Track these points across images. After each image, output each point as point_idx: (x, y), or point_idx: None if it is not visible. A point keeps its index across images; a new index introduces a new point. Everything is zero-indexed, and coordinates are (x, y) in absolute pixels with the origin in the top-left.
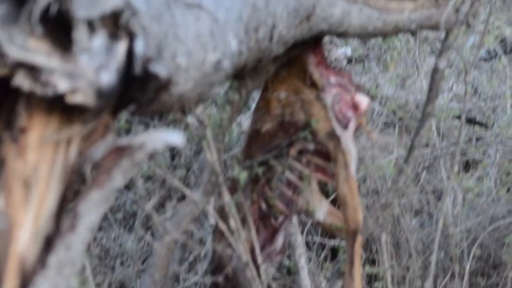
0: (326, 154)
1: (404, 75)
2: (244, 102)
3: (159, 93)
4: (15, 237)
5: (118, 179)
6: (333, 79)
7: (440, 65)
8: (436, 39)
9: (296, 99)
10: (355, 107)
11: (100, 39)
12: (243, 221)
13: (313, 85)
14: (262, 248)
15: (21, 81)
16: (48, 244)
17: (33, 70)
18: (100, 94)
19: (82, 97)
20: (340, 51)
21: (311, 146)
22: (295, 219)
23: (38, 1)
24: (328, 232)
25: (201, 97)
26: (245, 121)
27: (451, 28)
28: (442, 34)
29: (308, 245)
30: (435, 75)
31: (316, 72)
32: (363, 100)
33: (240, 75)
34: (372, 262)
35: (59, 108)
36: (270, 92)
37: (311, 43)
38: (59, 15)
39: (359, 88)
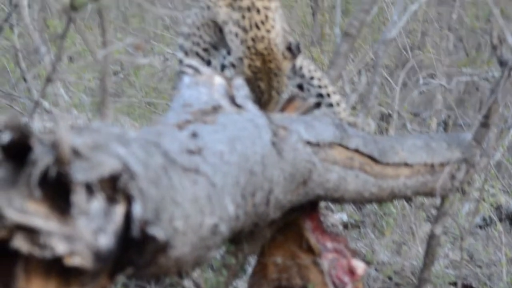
0: None
1: (400, 241)
2: (241, 266)
3: (156, 256)
4: None
5: None
6: (329, 244)
7: (436, 231)
8: (431, 206)
9: (292, 264)
10: (351, 272)
11: (98, 202)
12: None
13: (310, 250)
14: None
15: (20, 243)
16: None
17: (31, 233)
18: (98, 256)
19: (80, 259)
20: (336, 216)
21: None
22: None
23: (37, 164)
24: None
25: (198, 260)
26: (241, 285)
27: (446, 194)
28: (438, 201)
29: None
30: (431, 241)
31: (312, 238)
32: (359, 265)
33: (236, 239)
34: None
35: (57, 270)
36: (266, 257)
37: (307, 208)
38: (57, 178)
39: (355, 253)
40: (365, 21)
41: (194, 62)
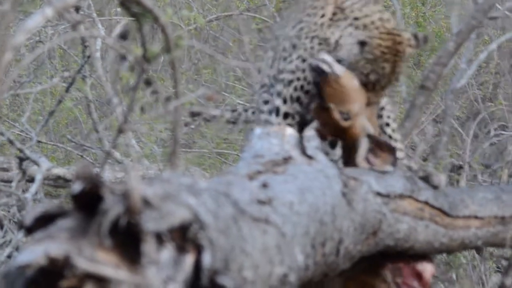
0: None
1: None
2: None
3: None
4: None
5: None
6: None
7: (507, 282)
8: (501, 256)
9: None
10: (419, 276)
11: (168, 252)
12: None
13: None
14: None
15: None
16: None
17: (101, 282)
18: None
19: None
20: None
21: None
22: None
23: (108, 214)
24: None
25: None
26: None
27: None
28: (508, 251)
29: None
30: None
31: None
32: (426, 268)
33: None
34: None
35: None
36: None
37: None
38: (128, 228)
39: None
40: (442, 74)
41: (330, 58)
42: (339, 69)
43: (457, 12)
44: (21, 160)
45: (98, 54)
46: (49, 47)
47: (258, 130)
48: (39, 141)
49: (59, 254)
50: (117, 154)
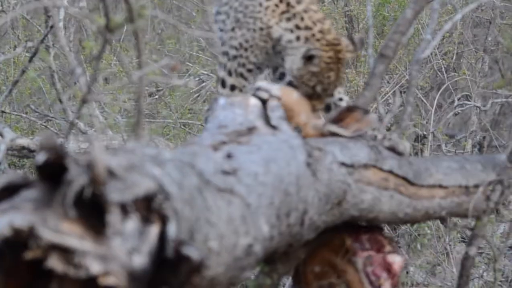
0: None
1: (435, 262)
2: (275, 286)
3: (191, 276)
4: None
5: None
6: (366, 242)
7: (471, 252)
8: (466, 227)
9: (330, 270)
10: (388, 267)
11: (133, 223)
12: None
13: (346, 252)
14: None
15: (54, 263)
16: None
17: (66, 253)
18: (133, 276)
19: (114, 279)
20: None
21: None
22: None
23: (72, 184)
24: None
25: (232, 281)
26: None
27: (481, 216)
28: (472, 222)
29: None
30: (465, 262)
31: (348, 240)
32: (395, 260)
33: (271, 260)
34: None
35: None
36: (304, 267)
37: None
38: (92, 198)
39: (393, 245)
40: (401, 42)
41: (265, 83)
42: (276, 91)
43: None
44: None
45: (61, 24)
46: (12, 16)
47: (222, 100)
48: (2, 111)
49: (24, 225)
50: (81, 125)
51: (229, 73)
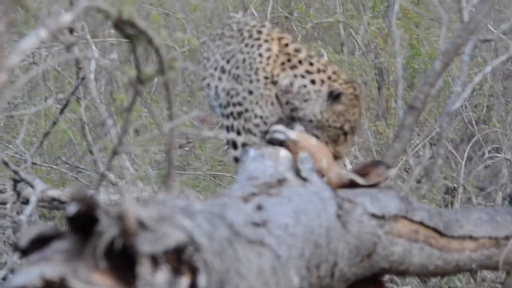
0: None
1: None
2: None
3: None
4: None
5: None
6: None
7: None
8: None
9: None
10: None
11: (163, 274)
12: None
13: None
14: None
15: None
16: None
17: None
18: None
19: None
20: None
21: None
22: None
23: (103, 236)
24: None
25: None
26: None
27: (511, 268)
28: (503, 275)
29: None
30: None
31: None
32: None
33: None
34: None
35: None
36: None
37: (371, 281)
38: (123, 249)
39: None
40: (430, 94)
41: (281, 127)
42: (292, 134)
43: (444, 32)
44: (16, 182)
45: (92, 76)
46: (43, 68)
47: (252, 152)
48: (33, 163)
49: (55, 276)
50: (111, 176)
51: (238, 132)
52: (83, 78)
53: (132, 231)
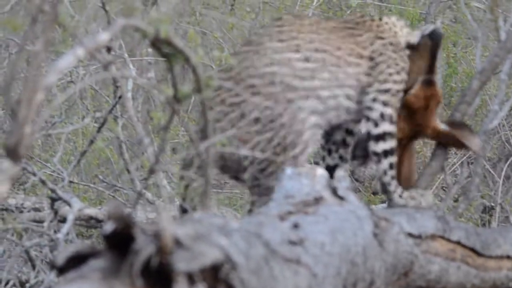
0: None
1: None
2: None
3: None
4: None
5: None
6: None
7: None
8: None
9: None
10: None
11: None
12: None
13: None
14: None
15: None
16: None
17: None
18: None
19: None
20: None
21: None
22: None
23: (140, 254)
24: None
25: None
26: None
27: None
28: None
29: None
30: None
31: None
32: None
33: None
34: None
35: None
36: None
37: None
38: (159, 268)
39: None
40: (467, 113)
41: None
42: None
43: (480, 50)
44: (53, 200)
45: (129, 95)
46: (80, 87)
47: (288, 170)
48: (71, 181)
49: None
50: (148, 195)
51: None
52: (120, 97)
53: (168, 249)
